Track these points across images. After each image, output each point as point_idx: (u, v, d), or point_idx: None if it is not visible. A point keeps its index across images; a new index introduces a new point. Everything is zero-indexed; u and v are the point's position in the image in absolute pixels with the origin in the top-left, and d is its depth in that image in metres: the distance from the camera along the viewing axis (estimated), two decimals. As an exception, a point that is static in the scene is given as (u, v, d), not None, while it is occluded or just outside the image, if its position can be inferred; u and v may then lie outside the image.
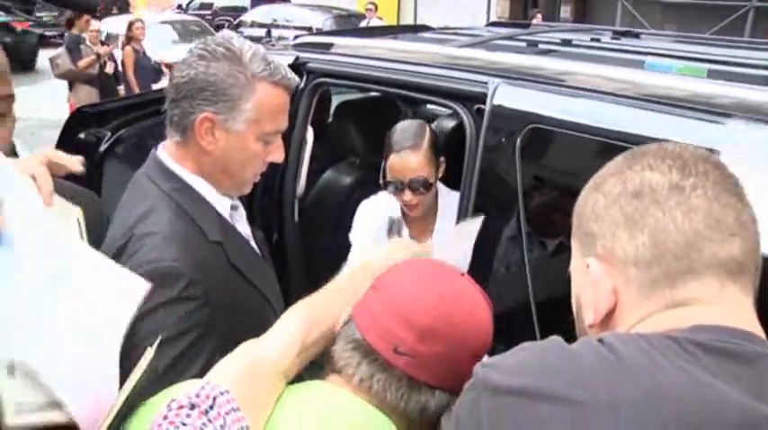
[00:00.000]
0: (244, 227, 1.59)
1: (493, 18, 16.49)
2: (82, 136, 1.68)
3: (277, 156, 1.49)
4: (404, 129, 2.26)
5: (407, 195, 2.20)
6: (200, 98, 1.38)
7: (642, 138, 1.51)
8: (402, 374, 1.01)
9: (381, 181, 2.27)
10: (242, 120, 1.39)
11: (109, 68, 7.79)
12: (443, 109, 3.25)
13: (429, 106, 3.76)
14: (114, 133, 1.71)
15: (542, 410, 0.74)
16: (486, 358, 0.87)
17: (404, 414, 1.04)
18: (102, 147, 1.69)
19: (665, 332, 0.79)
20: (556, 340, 0.84)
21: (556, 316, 1.56)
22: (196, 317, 1.30)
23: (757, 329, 0.83)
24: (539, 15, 13.99)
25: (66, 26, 7.47)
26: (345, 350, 1.06)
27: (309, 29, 13.91)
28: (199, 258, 1.34)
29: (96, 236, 1.46)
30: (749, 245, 0.84)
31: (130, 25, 7.92)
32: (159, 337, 1.17)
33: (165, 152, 1.48)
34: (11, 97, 1.23)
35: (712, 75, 1.79)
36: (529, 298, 1.78)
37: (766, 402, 0.73)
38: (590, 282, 0.88)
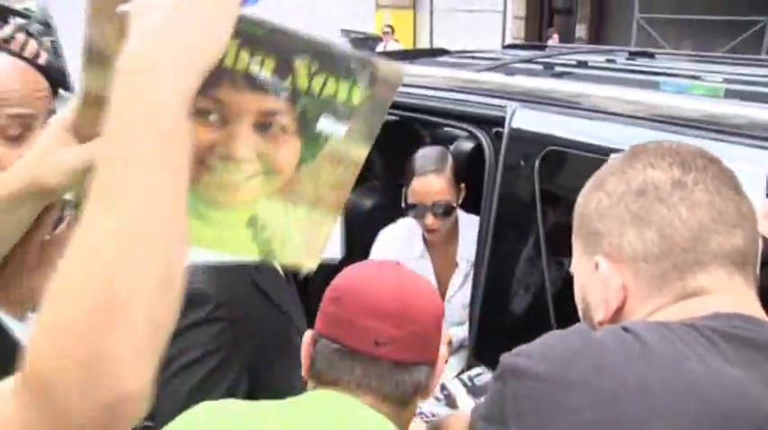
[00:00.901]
0: None
1: (508, 37, 16.57)
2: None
3: None
4: (426, 154, 2.31)
5: (429, 219, 2.24)
6: None
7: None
8: (389, 363, 1.09)
9: (403, 204, 2.31)
10: None
11: None
12: (461, 131, 3.29)
13: (447, 129, 3.80)
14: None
15: (570, 398, 0.77)
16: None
17: (402, 401, 1.12)
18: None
19: (682, 320, 0.82)
20: (581, 328, 0.88)
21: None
22: (223, 337, 1.35)
23: (765, 318, 0.86)
24: (555, 35, 14.04)
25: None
26: (331, 362, 1.11)
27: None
28: (224, 280, 1.38)
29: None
30: (750, 236, 0.88)
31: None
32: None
33: None
34: (31, 117, 1.27)
35: (730, 94, 1.82)
36: (550, 320, 1.80)
37: None
38: (598, 280, 0.91)
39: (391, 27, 14.58)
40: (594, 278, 0.92)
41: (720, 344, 0.79)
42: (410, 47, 16.99)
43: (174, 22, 0.58)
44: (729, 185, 0.89)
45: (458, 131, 3.53)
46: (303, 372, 1.17)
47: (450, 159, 2.30)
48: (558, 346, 0.83)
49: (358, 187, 3.18)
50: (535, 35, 16.90)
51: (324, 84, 0.73)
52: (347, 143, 0.77)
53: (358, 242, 2.84)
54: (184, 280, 0.59)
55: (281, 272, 1.67)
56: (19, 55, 1.46)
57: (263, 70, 0.69)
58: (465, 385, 1.86)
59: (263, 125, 0.72)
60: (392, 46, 13.43)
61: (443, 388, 1.87)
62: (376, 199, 3.09)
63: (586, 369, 0.78)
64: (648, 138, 1.67)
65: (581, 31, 17.02)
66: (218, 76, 0.65)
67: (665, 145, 0.94)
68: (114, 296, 0.52)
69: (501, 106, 1.98)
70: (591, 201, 0.95)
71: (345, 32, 17.74)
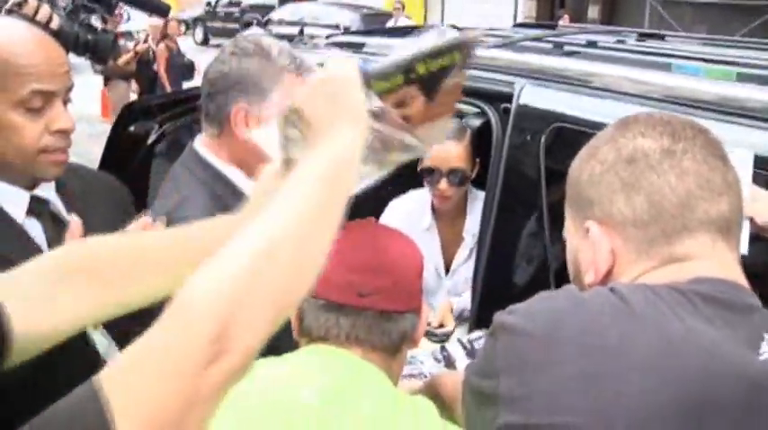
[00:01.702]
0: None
1: (520, 18, 16.48)
2: (132, 128, 1.80)
3: None
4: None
5: (443, 184, 2.27)
6: (235, 91, 1.51)
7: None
8: (374, 313, 1.14)
9: (418, 169, 2.33)
10: (272, 108, 1.51)
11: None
12: (471, 108, 3.32)
13: (456, 105, 3.83)
14: (162, 126, 1.82)
15: (556, 353, 0.82)
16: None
17: (390, 350, 1.17)
18: (150, 140, 1.81)
19: (667, 283, 0.87)
20: (570, 289, 0.93)
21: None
22: None
23: (746, 284, 0.91)
24: (566, 16, 13.95)
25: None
26: (318, 317, 1.15)
27: (337, 27, 14.04)
28: None
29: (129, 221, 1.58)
30: (735, 203, 0.92)
31: (166, 23, 8.10)
32: None
33: (201, 144, 1.61)
34: (53, 93, 1.30)
35: (742, 78, 1.85)
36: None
37: (756, 352, 0.81)
38: (589, 244, 0.95)
39: (402, 3, 14.50)
40: (585, 242, 0.96)
41: (702, 306, 0.83)
42: (421, 23, 16.91)
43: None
44: (716, 155, 0.93)
45: (467, 107, 3.58)
46: (294, 334, 1.21)
47: (468, 131, 2.34)
48: (548, 305, 0.88)
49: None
50: (547, 15, 16.79)
51: (435, 63, 1.11)
52: (452, 78, 1.15)
53: (365, 213, 2.89)
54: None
55: None
56: (32, 19, 1.49)
57: (397, 81, 1.09)
58: (464, 348, 1.91)
59: (402, 103, 1.11)
60: (402, 22, 13.38)
61: (443, 349, 1.93)
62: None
63: (572, 327, 0.83)
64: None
65: (593, 12, 16.90)
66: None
67: (655, 115, 0.98)
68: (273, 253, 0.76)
69: (509, 82, 2.01)
70: (583, 169, 0.99)
71: (356, 8, 17.65)
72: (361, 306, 1.14)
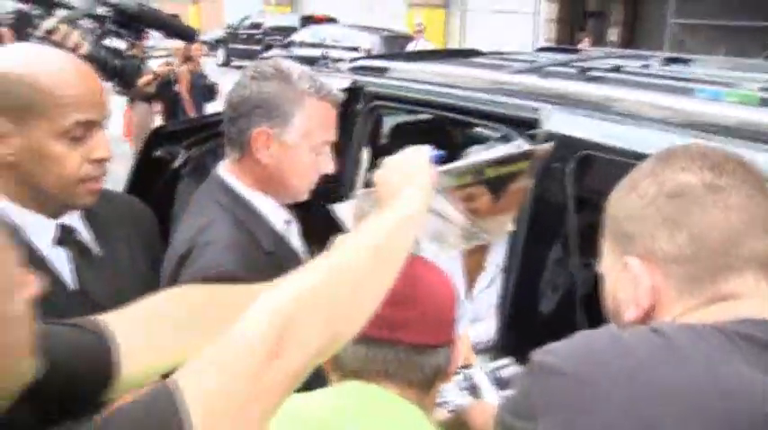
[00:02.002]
0: (296, 241, 1.71)
1: (540, 41, 16.50)
2: (158, 153, 1.80)
3: (328, 166, 1.62)
4: (479, 149, 2.33)
5: None
6: (256, 115, 1.52)
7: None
8: (406, 347, 1.10)
9: None
10: (294, 132, 1.52)
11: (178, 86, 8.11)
12: (491, 134, 3.31)
13: (479, 129, 3.83)
14: (188, 151, 1.83)
15: (597, 397, 0.79)
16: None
17: (424, 386, 1.13)
18: (176, 164, 1.81)
19: (711, 324, 0.84)
20: (610, 328, 0.91)
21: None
22: None
23: None
24: (586, 39, 13.95)
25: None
26: (350, 350, 1.11)
27: (357, 49, 14.12)
28: (255, 266, 1.44)
29: (154, 245, 1.58)
30: None
31: (188, 46, 8.19)
32: None
33: (225, 169, 1.62)
34: (94, 123, 1.32)
35: (766, 102, 1.82)
36: (579, 323, 1.82)
37: None
38: (630, 280, 0.93)
39: (422, 26, 14.57)
40: (624, 278, 0.94)
41: (747, 349, 0.81)
42: (441, 46, 16.98)
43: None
44: (759, 189, 0.91)
45: (488, 131, 3.57)
46: (325, 365, 1.17)
47: None
48: (587, 345, 0.85)
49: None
50: (567, 38, 16.81)
51: (504, 169, 1.30)
52: (520, 182, 1.35)
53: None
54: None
55: (301, 254, 1.71)
56: (61, 45, 1.51)
57: (467, 180, 1.27)
58: (489, 376, 1.88)
59: (470, 197, 1.34)
60: (423, 45, 13.42)
61: (468, 378, 1.89)
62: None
63: (614, 369, 0.80)
64: (679, 143, 1.69)
65: (613, 34, 16.89)
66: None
67: (692, 148, 0.96)
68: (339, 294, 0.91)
69: (535, 108, 2.00)
70: (623, 203, 0.97)
71: (376, 30, 17.74)
72: (393, 339, 1.10)
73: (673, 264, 0.89)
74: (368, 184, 1.17)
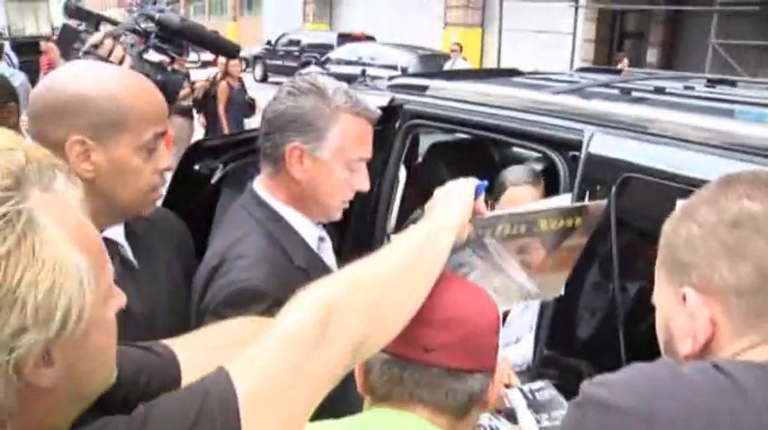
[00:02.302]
0: (329, 258, 1.69)
1: (577, 61, 16.39)
2: (196, 167, 1.81)
3: (363, 184, 1.60)
4: (520, 168, 2.30)
5: None
6: (290, 130, 1.51)
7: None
8: (440, 370, 1.06)
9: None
10: (328, 148, 1.51)
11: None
12: (531, 153, 3.28)
13: (516, 149, 3.79)
14: (226, 166, 1.83)
15: None
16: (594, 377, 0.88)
17: (457, 413, 1.09)
18: (215, 179, 1.81)
19: None
20: (668, 362, 0.86)
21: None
22: None
23: None
24: (625, 60, 13.81)
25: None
26: (383, 371, 1.09)
27: (394, 67, 14.18)
28: (285, 281, 1.42)
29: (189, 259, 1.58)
30: None
31: (227, 61, 8.30)
32: None
33: (260, 184, 1.61)
34: (165, 134, 1.37)
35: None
36: (620, 348, 1.77)
37: None
38: (685, 312, 0.89)
39: (459, 45, 14.59)
40: (680, 310, 0.90)
41: None
42: (477, 65, 16.97)
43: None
44: None
45: (526, 152, 3.53)
46: (358, 387, 1.16)
47: (542, 178, 2.28)
48: (645, 379, 0.81)
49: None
50: (604, 59, 16.68)
51: (557, 222, 1.33)
52: (573, 239, 1.37)
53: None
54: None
55: (334, 271, 1.70)
56: (105, 59, 1.53)
57: (520, 230, 1.30)
58: (526, 398, 1.83)
59: (523, 250, 1.36)
60: (460, 64, 13.45)
61: (503, 399, 1.84)
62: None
63: (676, 406, 0.76)
64: (730, 167, 1.65)
65: (652, 55, 16.71)
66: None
67: (761, 175, 0.91)
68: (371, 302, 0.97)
69: (578, 130, 1.97)
70: (680, 231, 0.92)
71: (413, 49, 17.81)
72: (427, 361, 1.07)
73: (734, 297, 0.85)
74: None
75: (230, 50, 1.81)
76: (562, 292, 1.57)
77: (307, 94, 1.53)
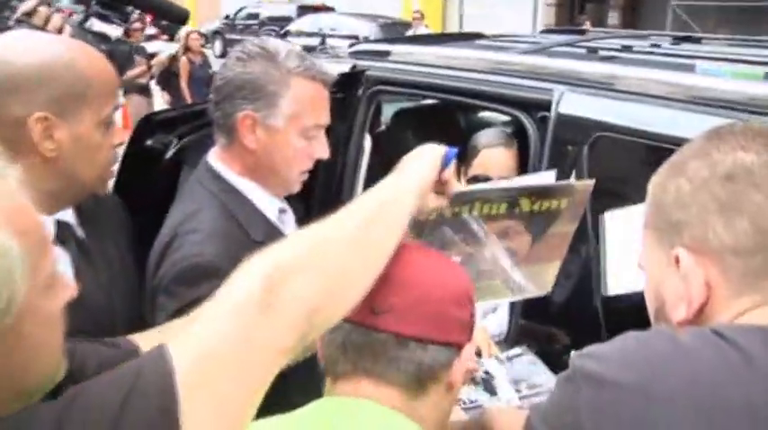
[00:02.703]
0: (292, 230, 1.61)
1: (539, 25, 16.35)
2: (149, 142, 1.71)
3: (322, 152, 1.51)
4: (495, 130, 2.22)
5: None
6: (239, 97, 1.43)
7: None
8: (387, 336, 0.94)
9: (466, 179, 2.21)
10: (281, 115, 1.43)
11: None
12: (497, 117, 3.21)
13: (481, 114, 3.72)
14: (181, 140, 1.73)
15: (658, 412, 0.69)
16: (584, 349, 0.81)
17: (411, 388, 0.95)
18: (169, 154, 1.71)
19: None
20: (665, 331, 0.79)
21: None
22: None
23: None
24: (587, 22, 13.81)
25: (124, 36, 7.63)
26: (330, 342, 0.98)
27: (356, 37, 13.99)
28: (240, 255, 1.34)
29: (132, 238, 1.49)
30: None
31: (187, 35, 8.08)
32: None
33: (214, 156, 1.53)
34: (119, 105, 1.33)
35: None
36: (597, 312, 1.73)
37: None
38: (677, 275, 0.82)
39: (421, 13, 14.43)
40: (671, 273, 0.83)
41: None
42: (439, 31, 16.83)
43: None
44: None
45: (492, 115, 3.47)
46: (320, 360, 1.04)
47: (515, 142, 2.19)
48: (642, 351, 0.74)
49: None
50: (566, 22, 16.66)
51: (541, 204, 1.22)
52: (560, 225, 1.27)
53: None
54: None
55: None
56: (42, 28, 1.41)
57: (499, 210, 1.20)
58: (503, 365, 1.76)
59: (505, 233, 1.26)
60: (422, 31, 13.30)
61: (481, 369, 1.75)
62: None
63: (678, 380, 0.70)
64: (710, 123, 1.59)
65: (613, 18, 16.76)
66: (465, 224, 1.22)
67: (754, 126, 0.85)
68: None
69: (547, 89, 1.90)
70: (668, 188, 0.85)
71: (374, 18, 17.66)
72: (374, 325, 0.95)
73: (731, 256, 0.78)
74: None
75: (178, 15, 1.69)
76: (550, 290, 1.44)
77: (256, 59, 1.44)
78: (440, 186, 1.11)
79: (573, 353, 0.79)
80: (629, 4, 16.74)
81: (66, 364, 0.81)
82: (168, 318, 1.30)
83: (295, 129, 1.44)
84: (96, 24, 1.53)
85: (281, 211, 1.58)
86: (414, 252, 1.03)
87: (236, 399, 0.75)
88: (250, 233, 1.45)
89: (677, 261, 0.82)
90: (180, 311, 1.26)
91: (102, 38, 1.50)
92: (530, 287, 1.39)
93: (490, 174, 2.09)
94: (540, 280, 1.40)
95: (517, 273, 1.32)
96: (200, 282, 1.29)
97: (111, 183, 1.44)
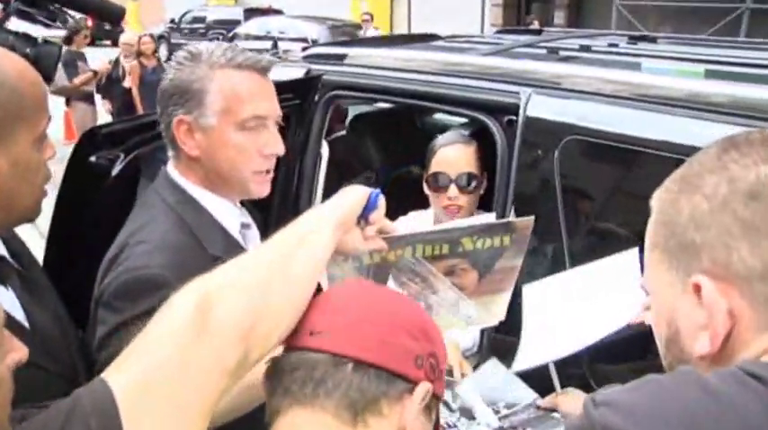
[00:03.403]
0: (254, 246, 1.51)
1: (487, 25, 16.46)
2: (92, 159, 1.58)
3: (273, 146, 1.41)
4: (452, 131, 2.17)
5: (453, 191, 2.04)
6: (172, 104, 1.37)
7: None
8: (318, 355, 0.86)
9: (425, 183, 2.14)
10: (211, 112, 1.35)
11: (127, 83, 7.75)
12: (455, 119, 3.16)
13: (438, 116, 3.66)
14: (128, 154, 1.61)
15: None
16: (597, 394, 0.72)
17: (345, 415, 0.84)
18: (115, 171, 1.59)
19: None
20: (691, 374, 0.69)
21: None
22: None
23: None
24: (536, 22, 13.94)
25: (65, 42, 7.35)
26: (268, 369, 0.90)
27: (305, 40, 13.85)
28: (191, 269, 1.23)
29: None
30: None
31: (139, 40, 7.84)
32: None
33: (172, 166, 1.44)
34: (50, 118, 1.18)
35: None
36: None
37: None
38: (693, 303, 0.73)
39: (370, 14, 14.37)
40: (688, 301, 0.74)
41: None
42: (387, 32, 16.81)
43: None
44: None
45: (450, 118, 3.41)
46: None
47: (475, 143, 2.12)
48: (673, 403, 0.65)
49: (354, 179, 3.04)
50: (513, 22, 16.81)
51: (483, 242, 1.26)
52: (507, 260, 1.30)
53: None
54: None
55: None
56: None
57: (442, 250, 1.25)
58: (477, 387, 1.67)
59: (451, 271, 1.31)
60: (371, 33, 13.24)
61: (457, 395, 1.66)
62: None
63: None
64: (686, 126, 1.55)
65: (559, 17, 16.97)
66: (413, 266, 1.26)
67: (762, 135, 0.76)
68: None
69: (514, 92, 1.84)
70: (681, 206, 0.76)
71: (323, 20, 17.53)
72: (308, 346, 0.87)
73: (758, 283, 0.70)
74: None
75: (111, 14, 1.54)
76: (503, 318, 1.49)
77: (184, 63, 1.37)
78: (366, 224, 1.12)
79: (586, 397, 0.70)
80: (574, 3, 16.96)
81: None
82: (108, 334, 1.21)
83: (230, 124, 1.35)
84: (16, 24, 1.38)
85: (244, 226, 1.48)
86: (363, 283, 1.00)
87: (179, 416, 0.75)
88: (206, 247, 1.35)
89: (697, 289, 0.73)
90: (122, 325, 1.18)
91: (26, 39, 1.36)
92: (483, 316, 1.45)
93: (448, 172, 2.03)
94: (492, 309, 1.46)
95: (467, 306, 1.38)
96: (144, 295, 1.19)
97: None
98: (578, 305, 1.34)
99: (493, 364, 1.77)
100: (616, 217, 1.66)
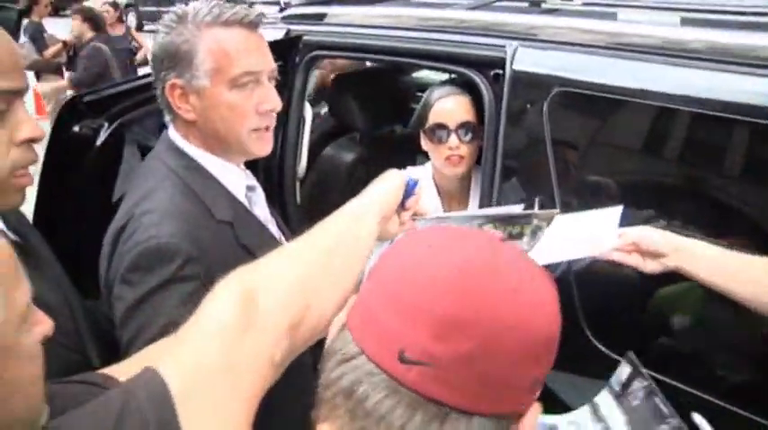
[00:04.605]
0: (261, 209, 1.53)
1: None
2: (76, 129, 1.54)
3: (269, 101, 1.39)
4: (444, 85, 2.13)
5: (454, 140, 2.02)
6: (164, 69, 1.35)
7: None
8: (415, 396, 0.62)
9: (421, 139, 2.11)
10: (202, 73, 1.33)
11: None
12: (435, 77, 3.13)
13: (417, 74, 3.62)
14: (112, 122, 1.57)
15: None
16: None
17: None
18: (100, 140, 1.55)
19: None
20: None
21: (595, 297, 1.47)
22: (197, 298, 1.19)
23: None
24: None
25: (24, 15, 7.13)
26: (333, 380, 0.66)
27: (278, 2, 13.61)
28: (201, 236, 1.26)
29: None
30: None
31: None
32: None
33: (173, 130, 1.42)
34: (16, 92, 1.05)
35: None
36: (573, 296, 1.67)
37: None
38: None
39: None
40: None
41: None
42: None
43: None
44: None
45: (430, 76, 3.38)
46: None
47: (468, 93, 2.09)
48: None
49: (337, 140, 3.01)
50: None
51: (503, 229, 1.27)
52: (520, 244, 1.29)
53: (339, 196, 2.68)
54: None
55: (281, 235, 1.53)
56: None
57: None
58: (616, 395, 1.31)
59: None
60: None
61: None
62: (356, 152, 2.92)
63: None
64: (664, 73, 1.54)
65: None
66: None
67: None
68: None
69: (499, 46, 1.81)
70: None
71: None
72: (399, 378, 0.62)
73: None
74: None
75: None
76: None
77: (172, 26, 1.35)
78: (405, 209, 1.21)
79: None
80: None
81: (48, 410, 0.74)
82: (129, 310, 1.20)
83: (222, 83, 1.33)
84: None
85: (249, 188, 1.48)
86: (476, 260, 0.65)
87: (232, 409, 0.76)
88: (213, 212, 1.34)
89: None
90: (141, 301, 1.18)
91: None
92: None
93: (448, 122, 2.00)
94: None
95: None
96: (159, 266, 1.19)
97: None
98: (558, 240, 1.37)
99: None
100: (607, 167, 1.66)
